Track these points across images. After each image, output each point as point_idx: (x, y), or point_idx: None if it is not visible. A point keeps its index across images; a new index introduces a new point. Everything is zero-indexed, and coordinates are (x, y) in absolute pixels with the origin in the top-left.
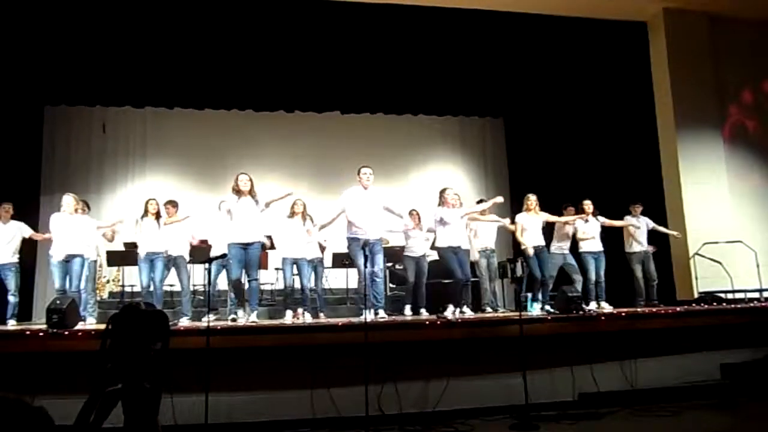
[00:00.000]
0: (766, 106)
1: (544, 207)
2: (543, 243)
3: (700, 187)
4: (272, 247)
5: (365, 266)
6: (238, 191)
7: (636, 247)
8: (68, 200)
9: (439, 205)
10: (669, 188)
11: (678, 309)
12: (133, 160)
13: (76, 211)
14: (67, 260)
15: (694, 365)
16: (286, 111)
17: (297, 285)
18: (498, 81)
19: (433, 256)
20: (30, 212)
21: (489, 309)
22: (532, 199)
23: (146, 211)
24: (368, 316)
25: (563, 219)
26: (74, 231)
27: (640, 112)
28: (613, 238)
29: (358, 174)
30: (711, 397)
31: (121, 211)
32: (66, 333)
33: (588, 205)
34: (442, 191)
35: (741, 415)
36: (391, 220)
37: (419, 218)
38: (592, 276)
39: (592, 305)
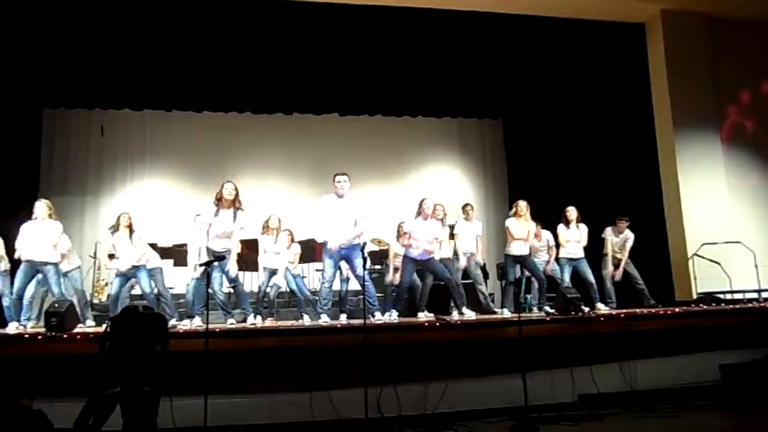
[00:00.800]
0: (764, 107)
1: (543, 207)
2: (527, 252)
3: (699, 188)
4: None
5: (332, 278)
6: (220, 200)
7: (608, 253)
8: (40, 206)
9: (416, 216)
10: (667, 189)
11: (677, 310)
12: (131, 162)
13: (50, 216)
14: (39, 270)
15: (694, 366)
16: (284, 113)
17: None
18: (496, 83)
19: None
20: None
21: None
22: (521, 205)
23: (118, 225)
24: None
25: (536, 236)
26: (43, 238)
27: (638, 113)
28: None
29: (333, 181)
30: (710, 398)
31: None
32: (64, 336)
33: (571, 211)
34: (421, 201)
35: (740, 415)
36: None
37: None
38: (566, 278)
39: (600, 306)
